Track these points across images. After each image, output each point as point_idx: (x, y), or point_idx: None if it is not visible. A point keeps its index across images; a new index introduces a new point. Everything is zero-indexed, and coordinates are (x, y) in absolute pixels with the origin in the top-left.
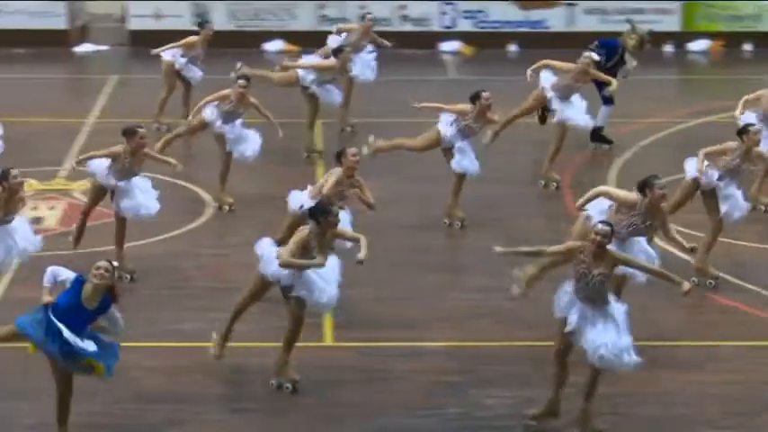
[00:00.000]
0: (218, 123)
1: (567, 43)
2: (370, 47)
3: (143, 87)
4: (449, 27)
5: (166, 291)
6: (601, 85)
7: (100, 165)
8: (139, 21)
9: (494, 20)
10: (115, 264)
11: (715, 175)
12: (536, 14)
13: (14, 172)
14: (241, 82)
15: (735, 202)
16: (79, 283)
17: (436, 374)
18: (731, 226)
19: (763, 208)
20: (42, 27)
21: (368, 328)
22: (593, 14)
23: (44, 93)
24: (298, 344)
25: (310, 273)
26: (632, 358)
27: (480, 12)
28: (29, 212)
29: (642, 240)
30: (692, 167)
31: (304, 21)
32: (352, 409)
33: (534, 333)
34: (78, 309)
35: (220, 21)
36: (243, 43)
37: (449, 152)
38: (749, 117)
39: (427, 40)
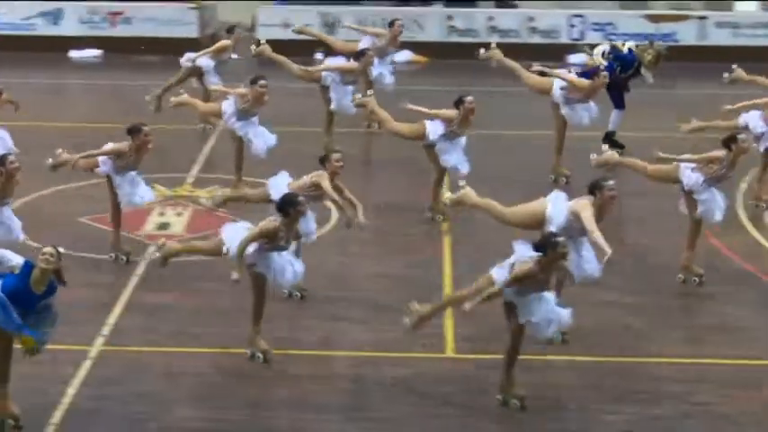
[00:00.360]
0: (232, 120)
1: (698, 57)
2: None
3: (270, 95)
4: (577, 39)
5: (276, 299)
6: (613, 90)
7: (103, 157)
8: (268, 30)
9: (623, 32)
10: (61, 249)
11: (700, 179)
12: (666, 27)
13: (11, 157)
14: (262, 82)
15: (713, 203)
16: (28, 267)
17: (556, 389)
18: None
19: (765, 206)
20: (174, 35)
21: (490, 340)
22: (724, 28)
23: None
24: (418, 355)
25: (273, 254)
26: None
27: (609, 24)
28: (156, 218)
29: (586, 240)
30: (687, 171)
31: (432, 32)
32: (468, 420)
33: (659, 349)
34: (26, 293)
35: (350, 31)
36: None
37: (430, 149)
38: (753, 117)
39: (555, 53)
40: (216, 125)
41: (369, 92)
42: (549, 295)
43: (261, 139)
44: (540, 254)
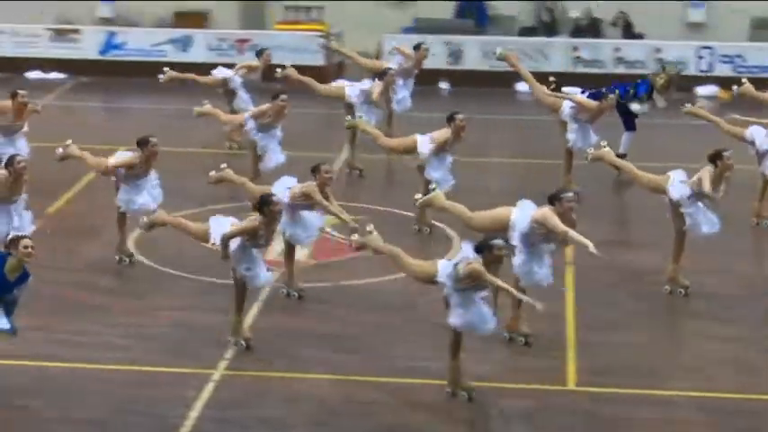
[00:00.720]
0: (254, 131)
1: None
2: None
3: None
4: (705, 71)
5: (404, 327)
6: (625, 113)
7: (114, 163)
8: (394, 58)
9: (753, 64)
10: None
11: (687, 192)
12: None
13: (19, 158)
14: (283, 97)
15: (701, 217)
16: (2, 258)
17: (679, 425)
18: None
19: (766, 223)
20: (301, 63)
21: (611, 373)
22: None
23: (300, 127)
24: (538, 386)
25: (252, 251)
26: None
27: (739, 56)
28: (281, 245)
29: (545, 247)
30: (675, 184)
31: (557, 62)
32: None
33: None
34: (1, 280)
35: (474, 61)
36: (496, 83)
37: (418, 161)
38: (759, 133)
39: (683, 85)
40: (240, 144)
41: (358, 115)
42: (482, 295)
43: (273, 156)
44: (480, 255)
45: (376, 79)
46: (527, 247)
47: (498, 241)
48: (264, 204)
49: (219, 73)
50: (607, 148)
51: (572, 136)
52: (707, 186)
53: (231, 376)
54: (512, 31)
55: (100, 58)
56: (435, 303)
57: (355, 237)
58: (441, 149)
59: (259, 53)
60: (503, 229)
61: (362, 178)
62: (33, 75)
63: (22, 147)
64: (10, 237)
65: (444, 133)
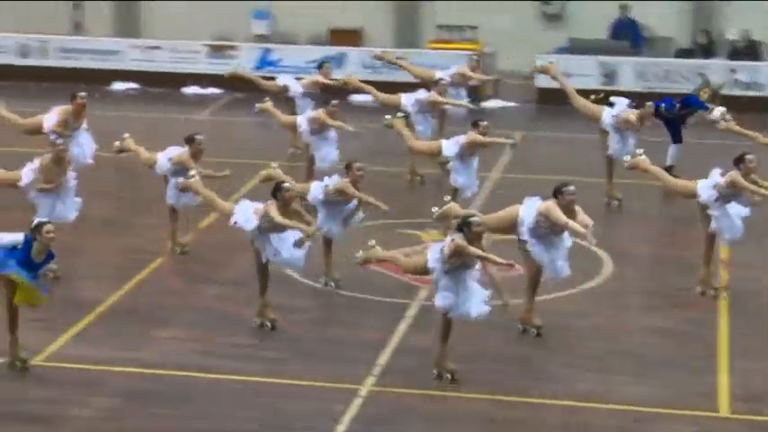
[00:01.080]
0: (306, 133)
1: None
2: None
3: (548, 144)
4: None
5: (558, 349)
6: (671, 125)
7: (163, 158)
8: (547, 79)
9: None
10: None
11: (713, 196)
12: None
13: (59, 141)
14: (334, 102)
15: (726, 222)
16: (28, 242)
17: None
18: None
19: None
20: None
21: (767, 401)
22: None
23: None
24: (691, 412)
25: (271, 235)
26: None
27: None
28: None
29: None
30: (705, 186)
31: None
32: None
33: None
34: (29, 262)
35: (628, 81)
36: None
37: (443, 166)
38: None
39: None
40: (302, 148)
41: (398, 114)
42: (472, 278)
43: (327, 156)
44: (461, 233)
45: (431, 91)
46: (539, 239)
47: (475, 219)
48: (277, 190)
49: (281, 80)
50: (643, 156)
51: (613, 144)
52: (751, 186)
53: (378, 392)
54: (668, 53)
55: (255, 74)
56: (593, 327)
57: (360, 253)
58: (466, 154)
59: (319, 66)
60: (513, 225)
61: (423, 185)
62: (190, 90)
63: (86, 142)
64: (34, 223)
65: (470, 138)
